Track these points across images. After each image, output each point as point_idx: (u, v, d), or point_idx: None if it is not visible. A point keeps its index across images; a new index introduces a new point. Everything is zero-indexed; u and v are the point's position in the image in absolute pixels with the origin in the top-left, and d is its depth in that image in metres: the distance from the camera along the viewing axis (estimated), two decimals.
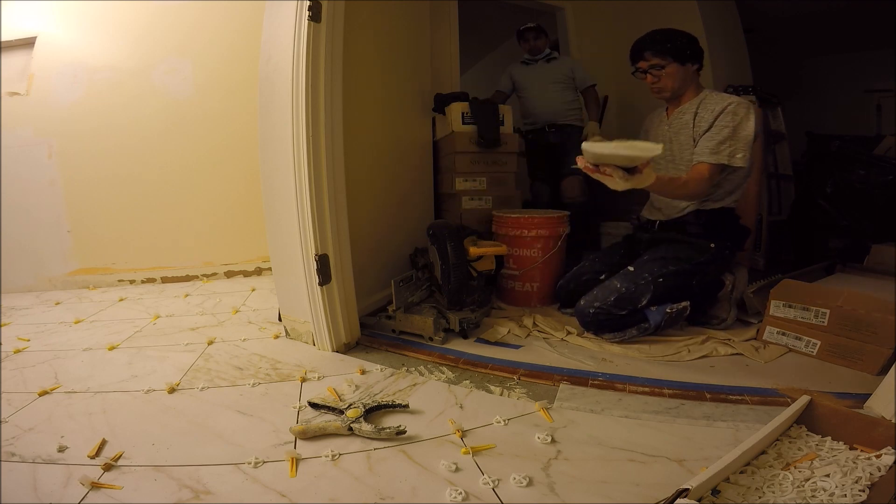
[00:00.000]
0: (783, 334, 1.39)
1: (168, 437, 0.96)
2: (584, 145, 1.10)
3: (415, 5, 2.08)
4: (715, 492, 0.74)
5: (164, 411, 1.07)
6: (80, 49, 2.30)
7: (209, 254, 2.52)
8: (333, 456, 0.89)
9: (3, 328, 1.72)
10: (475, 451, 0.89)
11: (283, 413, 1.06)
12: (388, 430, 0.93)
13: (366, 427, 0.94)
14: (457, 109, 2.04)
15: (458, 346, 1.45)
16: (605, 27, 2.94)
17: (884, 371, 1.14)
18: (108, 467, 0.84)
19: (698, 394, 1.12)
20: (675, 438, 0.94)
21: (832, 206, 2.32)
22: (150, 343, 1.53)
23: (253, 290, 2.24)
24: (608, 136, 1.28)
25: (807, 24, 3.29)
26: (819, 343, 1.31)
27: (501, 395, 1.15)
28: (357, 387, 1.18)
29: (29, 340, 1.57)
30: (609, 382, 1.19)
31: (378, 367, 1.31)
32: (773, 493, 0.74)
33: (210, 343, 1.51)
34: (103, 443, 0.93)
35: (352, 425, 0.95)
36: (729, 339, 1.42)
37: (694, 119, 1.44)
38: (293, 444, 0.93)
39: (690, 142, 1.44)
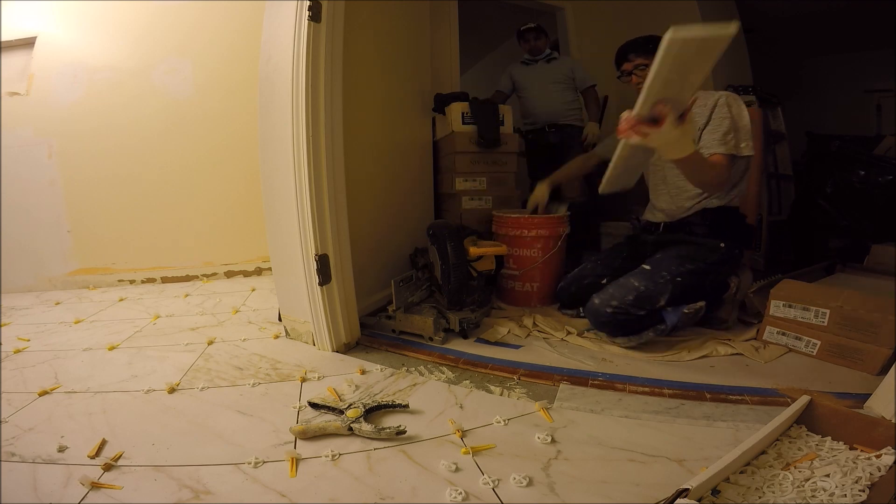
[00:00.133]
0: (783, 334, 1.39)
1: (168, 437, 0.96)
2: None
3: (415, 5, 2.08)
4: (715, 492, 0.74)
5: (164, 411, 1.07)
6: (80, 49, 2.30)
7: (209, 254, 2.52)
8: (333, 456, 0.88)
9: (3, 328, 1.72)
10: (475, 451, 0.89)
11: (283, 413, 1.06)
12: (388, 430, 0.93)
13: (366, 427, 0.94)
14: (457, 109, 2.04)
15: (458, 346, 1.45)
16: (605, 27, 2.94)
17: (884, 371, 1.14)
18: (108, 467, 0.84)
19: (698, 394, 1.12)
20: (675, 438, 0.94)
21: (832, 206, 2.32)
22: (150, 343, 1.53)
23: (253, 290, 2.24)
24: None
25: (807, 24, 3.29)
26: (819, 343, 1.31)
27: (501, 395, 1.15)
28: (357, 387, 1.18)
29: (29, 340, 1.57)
30: (609, 382, 1.19)
31: (378, 367, 1.31)
32: (773, 493, 0.74)
33: (210, 343, 1.51)
34: (103, 443, 0.93)
35: (352, 425, 0.95)
36: (729, 339, 1.42)
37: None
38: (293, 444, 0.93)
39: None
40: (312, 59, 1.27)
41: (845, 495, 0.72)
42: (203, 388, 1.19)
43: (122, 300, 2.09)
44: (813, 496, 0.73)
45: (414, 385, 1.20)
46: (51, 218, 2.32)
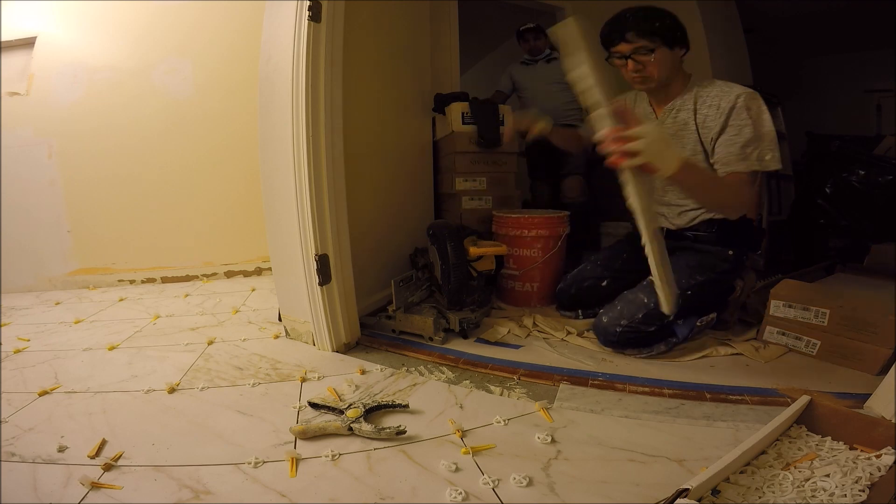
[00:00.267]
0: (783, 334, 1.39)
1: (168, 437, 0.96)
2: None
3: (415, 5, 2.08)
4: (715, 492, 0.74)
5: (164, 411, 1.07)
6: (80, 49, 2.29)
7: (209, 254, 2.52)
8: (333, 456, 0.88)
9: (3, 328, 1.72)
10: (475, 451, 0.89)
11: (283, 413, 1.06)
12: (388, 430, 0.93)
13: (366, 427, 0.94)
14: (457, 109, 2.04)
15: (458, 346, 1.45)
16: None
17: (884, 371, 1.14)
18: (108, 467, 0.84)
19: (698, 394, 1.12)
20: (675, 438, 0.94)
21: (832, 206, 2.32)
22: (150, 343, 1.53)
23: (253, 290, 2.24)
24: None
25: (807, 24, 3.28)
26: (819, 343, 1.31)
27: (501, 395, 1.15)
28: (357, 387, 1.18)
29: (29, 340, 1.57)
30: (609, 382, 1.19)
31: (378, 367, 1.31)
32: (773, 493, 0.74)
33: (210, 343, 1.51)
34: (103, 443, 0.93)
35: (352, 425, 0.95)
36: (729, 339, 1.42)
37: (695, 117, 1.27)
38: (293, 444, 0.93)
39: (696, 146, 1.28)
40: (312, 59, 1.27)
41: (845, 495, 0.72)
42: (203, 388, 1.19)
43: (122, 300, 2.09)
44: (813, 496, 0.73)
45: (414, 385, 1.20)
46: (51, 218, 2.32)
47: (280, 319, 1.59)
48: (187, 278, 2.47)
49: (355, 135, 1.55)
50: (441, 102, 2.13)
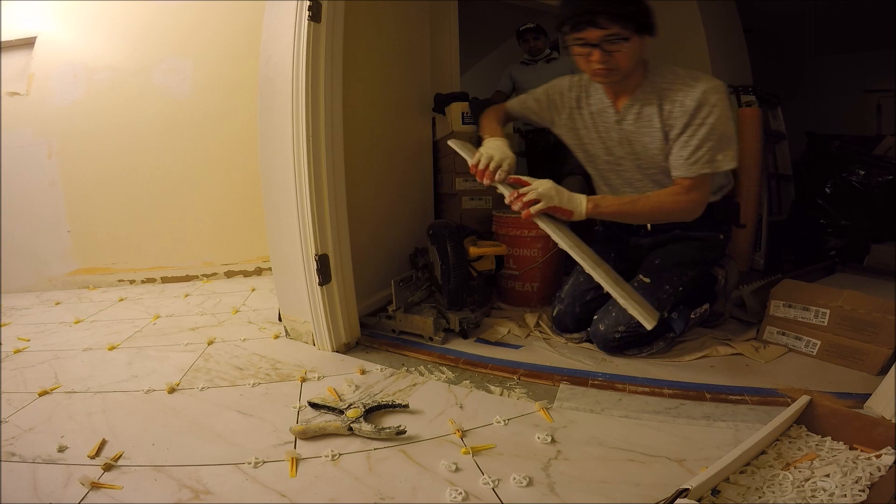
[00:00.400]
0: (783, 334, 1.38)
1: (168, 436, 0.96)
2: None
3: (415, 5, 2.08)
4: (715, 492, 0.74)
5: (164, 411, 1.07)
6: (80, 49, 2.29)
7: (209, 254, 2.52)
8: (333, 456, 0.88)
9: (3, 328, 1.72)
10: (475, 451, 0.89)
11: (283, 413, 1.06)
12: (388, 430, 0.93)
13: (366, 427, 0.94)
14: (457, 109, 2.04)
15: (458, 346, 1.45)
16: None
17: (884, 371, 1.14)
18: (108, 467, 0.84)
19: (698, 394, 1.12)
20: (675, 438, 0.94)
21: (832, 206, 2.32)
22: (150, 343, 1.53)
23: (253, 290, 2.24)
24: None
25: (807, 24, 3.28)
26: (819, 343, 1.31)
27: (501, 395, 1.15)
28: (357, 387, 1.18)
29: (29, 340, 1.57)
30: (609, 382, 1.19)
31: (378, 367, 1.31)
32: (773, 493, 0.74)
33: (210, 343, 1.51)
34: (103, 443, 0.93)
35: (352, 425, 0.95)
36: (729, 339, 1.42)
37: (660, 113, 1.16)
38: (293, 444, 0.93)
39: (662, 142, 1.19)
40: (312, 59, 1.27)
41: (845, 495, 0.72)
42: (203, 388, 1.19)
43: (122, 300, 2.09)
44: (813, 496, 0.73)
45: (414, 385, 1.20)
46: (51, 218, 2.32)
47: (280, 319, 1.59)
48: (187, 278, 2.47)
49: (355, 135, 1.55)
50: (441, 102, 2.13)
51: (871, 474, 0.75)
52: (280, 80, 1.31)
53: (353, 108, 1.50)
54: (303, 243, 1.35)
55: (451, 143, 1.35)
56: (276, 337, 1.54)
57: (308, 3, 1.24)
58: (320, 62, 1.29)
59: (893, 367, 1.00)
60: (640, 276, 1.34)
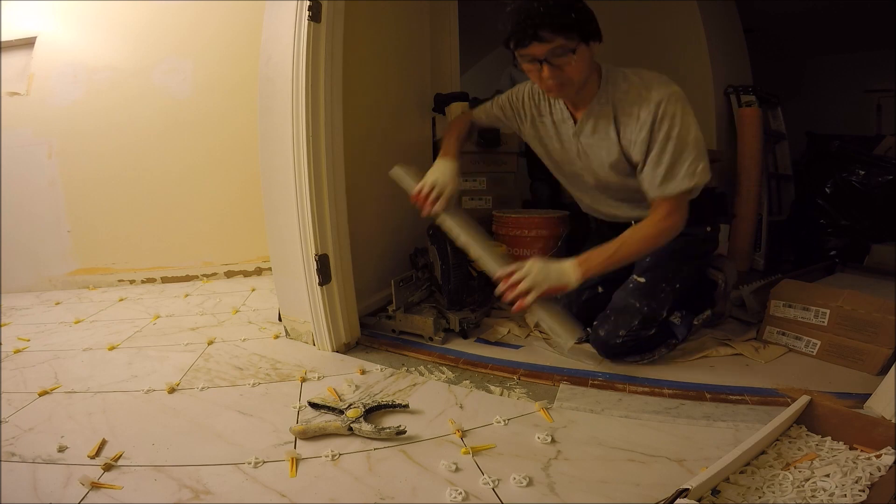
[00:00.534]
0: (783, 334, 1.39)
1: (168, 436, 0.96)
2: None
3: (415, 5, 2.08)
4: (715, 492, 0.74)
5: (164, 411, 1.07)
6: (80, 49, 2.29)
7: (209, 254, 2.52)
8: (333, 456, 0.89)
9: (3, 328, 1.72)
10: (475, 451, 0.89)
11: (283, 413, 1.06)
12: (388, 430, 0.93)
13: (366, 427, 0.94)
14: (457, 109, 2.04)
15: (458, 346, 1.45)
16: (604, 27, 2.93)
17: (884, 371, 1.14)
18: (108, 467, 0.84)
19: (698, 394, 1.12)
20: (675, 438, 0.94)
21: (832, 206, 2.32)
22: (150, 343, 1.53)
23: (253, 290, 2.24)
24: None
25: (807, 24, 3.28)
26: (819, 343, 1.31)
27: (501, 395, 1.15)
28: (357, 387, 1.18)
29: (29, 340, 1.56)
30: (609, 382, 1.19)
31: (378, 367, 1.31)
32: (773, 493, 0.74)
33: (210, 343, 1.51)
34: (103, 443, 0.93)
35: (352, 425, 0.95)
36: (729, 340, 1.42)
37: (615, 125, 1.12)
38: (293, 444, 0.93)
39: (619, 156, 1.15)
40: (312, 59, 1.27)
41: (845, 495, 0.72)
42: (203, 388, 1.19)
43: (122, 300, 2.09)
44: (813, 496, 0.73)
45: (414, 385, 1.20)
46: (51, 218, 2.32)
47: (280, 319, 1.59)
48: (187, 278, 2.47)
49: (355, 134, 1.55)
50: (441, 102, 2.13)
51: (871, 474, 0.75)
52: (280, 80, 1.31)
53: (353, 108, 1.50)
54: (303, 243, 1.35)
55: (392, 173, 1.27)
56: (276, 337, 1.54)
57: (308, 3, 1.24)
58: (320, 62, 1.29)
59: (893, 367, 1.00)
60: (634, 276, 1.32)
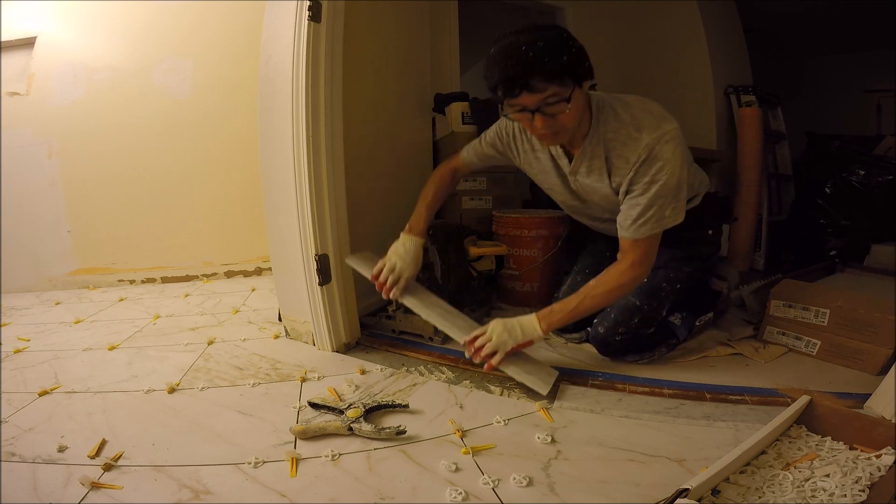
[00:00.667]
0: (783, 334, 1.39)
1: (168, 436, 0.96)
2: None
3: (415, 5, 2.08)
4: (715, 492, 0.74)
5: (164, 411, 1.07)
6: (80, 49, 2.29)
7: (209, 254, 2.52)
8: (333, 456, 0.89)
9: (3, 328, 1.72)
10: (475, 451, 0.89)
11: (283, 413, 1.06)
12: (388, 430, 0.93)
13: (366, 427, 0.94)
14: (457, 109, 2.04)
15: (458, 346, 1.44)
16: (604, 27, 2.94)
17: (884, 371, 1.14)
18: (108, 467, 0.84)
19: (698, 394, 1.12)
20: (675, 438, 0.94)
21: (832, 206, 2.33)
22: (150, 343, 1.53)
23: (253, 290, 2.24)
24: None
25: (807, 24, 3.28)
26: (819, 343, 1.31)
27: (501, 395, 1.15)
28: (357, 387, 1.18)
29: (29, 340, 1.56)
30: (609, 382, 1.19)
31: (378, 367, 1.31)
32: (773, 493, 0.74)
33: (210, 343, 1.51)
34: (103, 443, 0.93)
35: (352, 425, 0.95)
36: (729, 339, 1.42)
37: (607, 166, 1.10)
38: (293, 444, 0.93)
39: (612, 195, 1.14)
40: (312, 60, 1.27)
41: (845, 495, 0.72)
42: (203, 388, 1.19)
43: (122, 300, 2.09)
44: (813, 496, 0.73)
45: (414, 385, 1.20)
46: (51, 218, 2.32)
47: (280, 319, 1.59)
48: (187, 278, 2.47)
49: (355, 135, 1.55)
50: (441, 102, 2.13)
51: (871, 474, 0.75)
52: (280, 80, 1.31)
53: (353, 108, 1.50)
54: (303, 243, 1.35)
55: (348, 260, 1.38)
56: (276, 337, 1.54)
57: (308, 3, 1.24)
58: (320, 62, 1.29)
59: (893, 367, 1.00)
60: None
